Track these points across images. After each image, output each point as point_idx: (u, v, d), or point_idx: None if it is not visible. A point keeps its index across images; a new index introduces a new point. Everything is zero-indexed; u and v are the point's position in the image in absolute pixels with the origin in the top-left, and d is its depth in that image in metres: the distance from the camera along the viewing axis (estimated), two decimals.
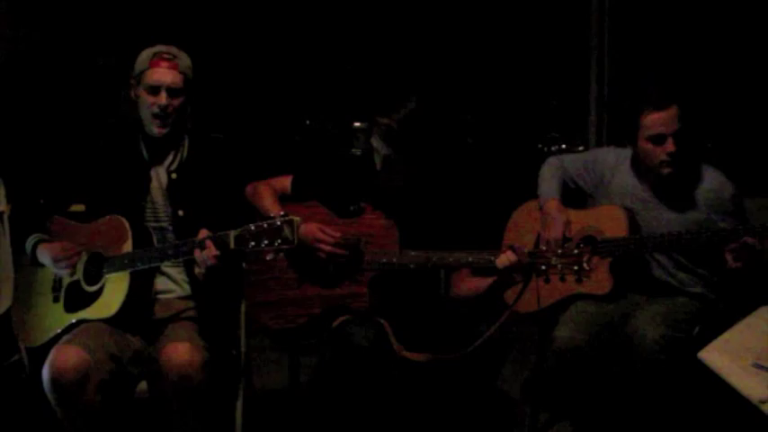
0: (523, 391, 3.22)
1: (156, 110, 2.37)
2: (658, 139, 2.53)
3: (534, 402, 2.94)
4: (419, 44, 5.72)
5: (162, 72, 2.36)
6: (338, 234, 2.40)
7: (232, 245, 2.14)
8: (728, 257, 2.37)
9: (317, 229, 2.40)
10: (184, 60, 2.41)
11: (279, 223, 2.07)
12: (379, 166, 2.48)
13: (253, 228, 2.11)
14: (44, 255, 2.37)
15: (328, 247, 2.39)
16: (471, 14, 5.72)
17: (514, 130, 6.34)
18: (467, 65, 5.81)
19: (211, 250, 2.17)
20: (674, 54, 4.64)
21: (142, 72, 2.38)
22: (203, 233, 2.21)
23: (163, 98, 2.36)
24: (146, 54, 2.39)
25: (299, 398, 2.79)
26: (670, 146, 2.51)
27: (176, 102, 2.38)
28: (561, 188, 2.79)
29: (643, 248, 2.55)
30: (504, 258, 2.24)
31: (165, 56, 2.37)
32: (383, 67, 5.68)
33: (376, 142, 2.44)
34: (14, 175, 2.91)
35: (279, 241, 2.07)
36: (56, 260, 2.35)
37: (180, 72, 2.38)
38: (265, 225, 2.09)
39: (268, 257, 2.14)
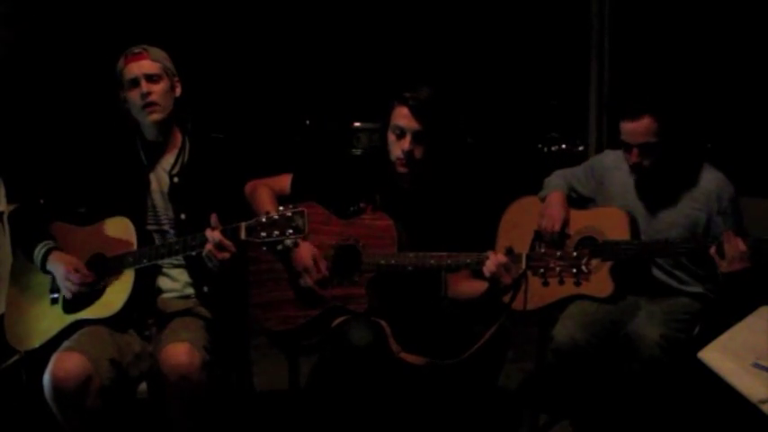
0: (523, 391, 3.22)
1: (140, 100, 2.40)
2: (626, 147, 2.55)
3: (534, 402, 2.95)
4: (419, 44, 5.72)
5: (135, 65, 2.41)
6: (327, 273, 2.40)
7: (243, 236, 2.15)
8: (719, 261, 2.38)
9: (310, 257, 2.40)
10: (155, 51, 2.45)
11: (290, 214, 2.10)
12: (400, 149, 2.40)
13: (264, 219, 2.13)
14: (57, 266, 2.35)
15: (310, 282, 2.40)
16: (472, 15, 5.72)
17: (514, 130, 6.35)
18: (467, 65, 5.81)
19: (222, 240, 2.17)
20: (674, 54, 4.64)
21: (121, 74, 2.43)
22: (214, 220, 2.21)
23: (144, 86, 2.39)
24: (120, 59, 2.45)
25: (299, 398, 2.79)
26: (634, 156, 2.52)
27: (158, 87, 2.41)
28: (566, 188, 2.79)
29: (645, 252, 2.55)
30: (491, 265, 2.23)
31: (135, 50, 2.44)
32: (381, 67, 5.68)
33: (404, 120, 2.38)
34: (15, 178, 2.91)
35: (290, 231, 2.09)
36: (66, 278, 2.33)
37: (153, 60, 2.43)
38: (276, 216, 2.11)
39: (279, 248, 2.15)
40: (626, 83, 4.17)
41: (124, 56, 2.44)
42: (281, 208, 2.13)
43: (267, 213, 2.14)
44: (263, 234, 2.12)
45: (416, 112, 2.36)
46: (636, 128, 2.49)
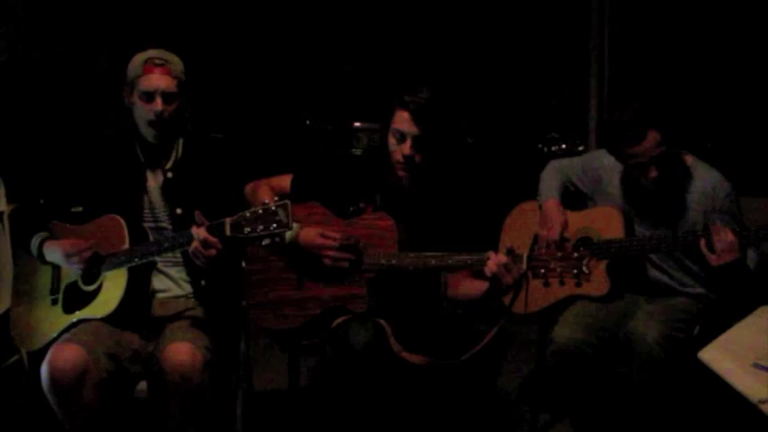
0: (523, 392, 3.22)
1: (151, 116, 2.37)
2: (641, 167, 2.49)
3: (534, 402, 2.95)
4: (419, 44, 5.72)
5: (155, 78, 2.35)
6: (339, 235, 2.38)
7: (228, 232, 2.14)
8: (709, 255, 2.37)
9: (317, 235, 2.38)
10: (177, 64, 2.40)
11: (273, 208, 2.09)
12: (400, 153, 2.38)
13: (248, 214, 2.12)
14: (54, 252, 2.35)
15: (332, 252, 2.38)
16: (471, 15, 5.72)
17: (514, 130, 6.35)
18: (467, 65, 5.81)
19: (207, 237, 2.16)
20: (674, 53, 4.64)
21: (136, 79, 2.37)
22: (200, 217, 2.20)
23: (158, 104, 2.35)
24: (138, 60, 2.38)
25: (299, 398, 2.79)
26: (652, 171, 2.47)
27: (171, 107, 2.38)
28: (561, 189, 2.79)
29: (639, 249, 2.55)
30: (492, 265, 2.23)
31: (158, 61, 2.36)
32: (382, 68, 5.69)
33: (405, 125, 2.36)
34: (15, 178, 2.91)
35: (274, 225, 2.08)
36: (68, 255, 2.32)
37: (173, 77, 2.37)
38: (260, 210, 2.11)
39: (264, 243, 2.14)
40: (626, 82, 4.16)
41: (144, 62, 2.36)
42: (265, 201, 2.12)
43: (251, 208, 2.13)
44: (248, 229, 2.11)
45: (417, 117, 2.35)
46: (645, 147, 2.43)
